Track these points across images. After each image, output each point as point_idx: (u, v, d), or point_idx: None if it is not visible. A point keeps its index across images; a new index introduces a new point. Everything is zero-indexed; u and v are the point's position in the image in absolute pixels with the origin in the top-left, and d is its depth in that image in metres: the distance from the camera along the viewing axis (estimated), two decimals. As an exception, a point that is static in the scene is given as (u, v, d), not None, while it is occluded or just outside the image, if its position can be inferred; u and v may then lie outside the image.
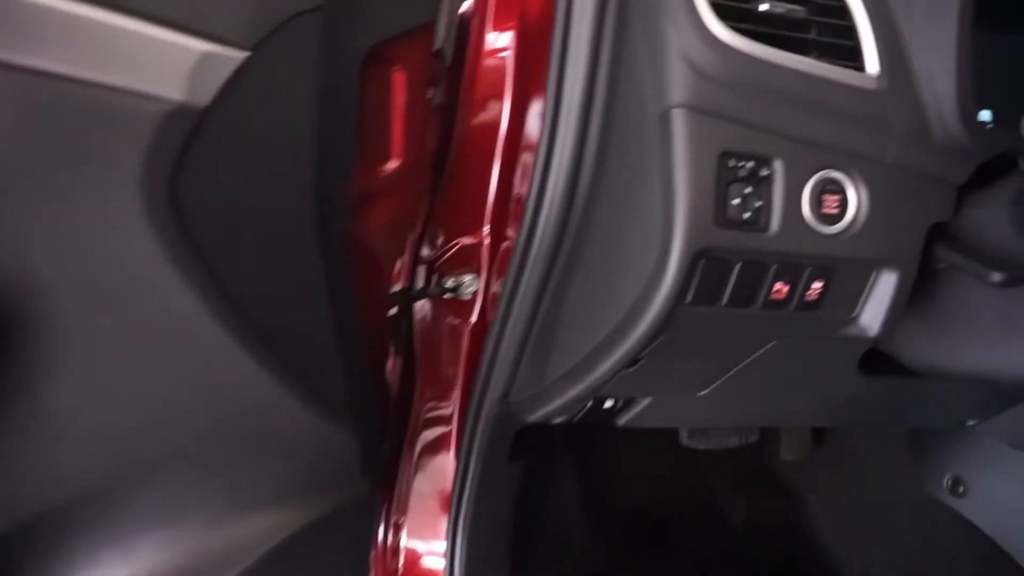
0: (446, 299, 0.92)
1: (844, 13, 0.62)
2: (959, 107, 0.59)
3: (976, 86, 0.62)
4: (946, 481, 1.15)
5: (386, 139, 0.71)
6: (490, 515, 0.92)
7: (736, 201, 0.58)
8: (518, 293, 0.74)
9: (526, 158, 0.74)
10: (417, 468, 1.01)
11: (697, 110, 0.57)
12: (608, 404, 0.88)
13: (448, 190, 0.88)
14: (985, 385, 0.82)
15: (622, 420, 0.90)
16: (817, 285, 0.63)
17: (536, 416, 0.84)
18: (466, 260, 0.90)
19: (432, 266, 0.92)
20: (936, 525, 1.17)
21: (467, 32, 0.81)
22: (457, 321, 0.92)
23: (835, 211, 0.61)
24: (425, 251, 0.92)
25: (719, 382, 0.80)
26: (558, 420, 0.90)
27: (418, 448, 1.02)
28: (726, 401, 0.86)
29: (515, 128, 0.77)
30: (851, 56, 0.61)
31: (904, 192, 0.62)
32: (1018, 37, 0.77)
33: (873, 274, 0.65)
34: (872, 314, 0.66)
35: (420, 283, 0.93)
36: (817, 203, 0.60)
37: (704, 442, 1.09)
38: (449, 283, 0.90)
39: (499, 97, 0.79)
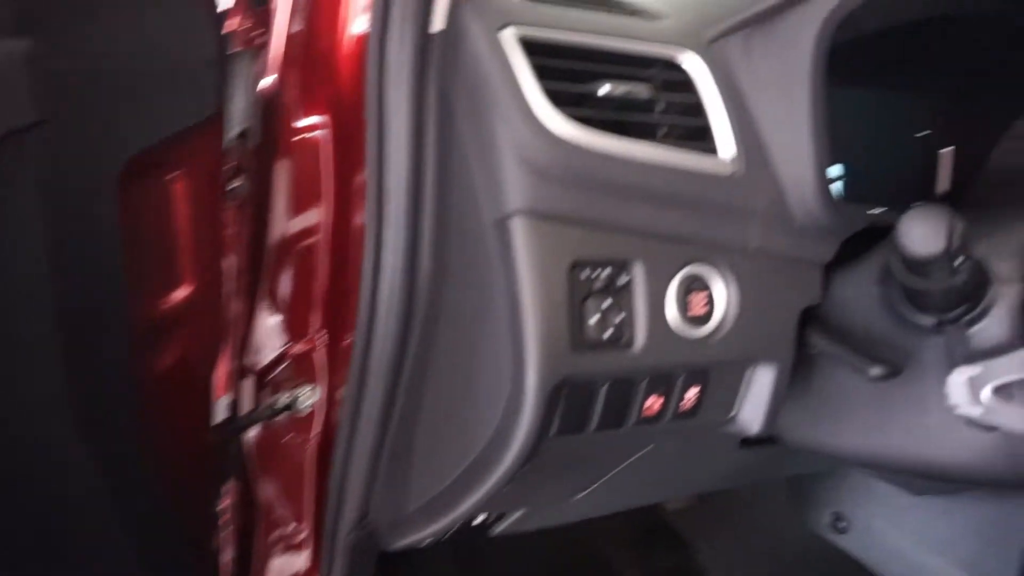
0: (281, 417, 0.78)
1: (690, 88, 0.55)
2: (818, 186, 0.54)
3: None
4: (827, 518, 1.14)
5: (170, 261, 0.57)
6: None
7: (595, 319, 0.50)
8: (361, 410, 0.63)
9: (358, 250, 0.63)
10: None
11: (539, 216, 0.48)
12: (479, 520, 0.78)
13: (270, 290, 0.75)
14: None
15: (496, 531, 0.81)
16: (692, 393, 0.56)
17: (401, 544, 0.73)
18: (301, 370, 0.77)
19: (261, 381, 0.78)
20: (825, 563, 1.16)
21: (273, 110, 0.69)
22: (299, 439, 0.79)
23: (704, 311, 0.54)
24: (249, 364, 0.78)
25: (595, 486, 0.72)
26: (426, 543, 0.79)
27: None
28: (603, 497, 0.79)
29: (342, 217, 0.65)
30: (703, 137, 0.55)
31: (772, 279, 0.57)
32: (866, 92, 0.75)
33: (749, 370, 0.59)
34: (752, 411, 0.60)
35: (249, 403, 0.79)
36: (683, 305, 0.53)
37: (590, 512, 1.02)
38: (283, 400, 0.77)
39: (318, 182, 0.68)
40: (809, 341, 0.59)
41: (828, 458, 0.64)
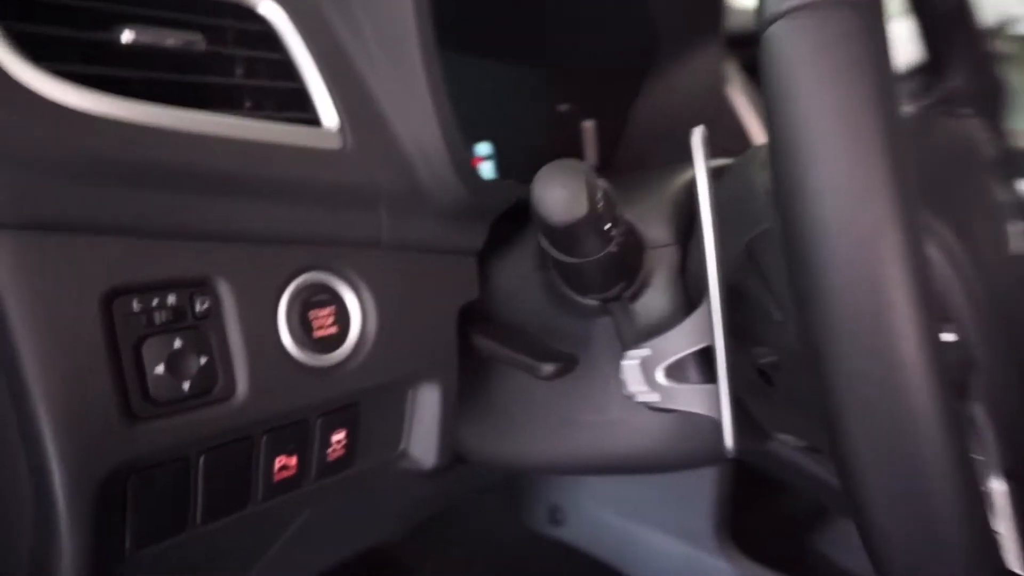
0: None
1: (272, 41, 0.42)
2: (452, 157, 0.44)
3: (466, 122, 0.49)
4: (543, 512, 1.11)
5: None
6: None
7: (160, 369, 0.34)
8: None
9: None
10: None
11: (35, 227, 0.31)
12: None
13: None
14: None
15: None
16: (339, 437, 0.43)
17: None
18: None
19: None
20: (545, 557, 1.12)
21: None
22: None
23: (333, 330, 0.41)
24: None
25: (270, 553, 0.56)
26: None
27: None
28: (292, 565, 0.63)
29: None
30: (298, 104, 0.42)
31: (417, 279, 0.46)
32: (504, 65, 0.69)
33: (409, 394, 0.48)
34: (422, 443, 0.49)
35: None
36: (303, 327, 0.40)
37: None
38: None
39: None
40: (474, 344, 0.50)
41: (530, 472, 0.56)
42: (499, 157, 0.68)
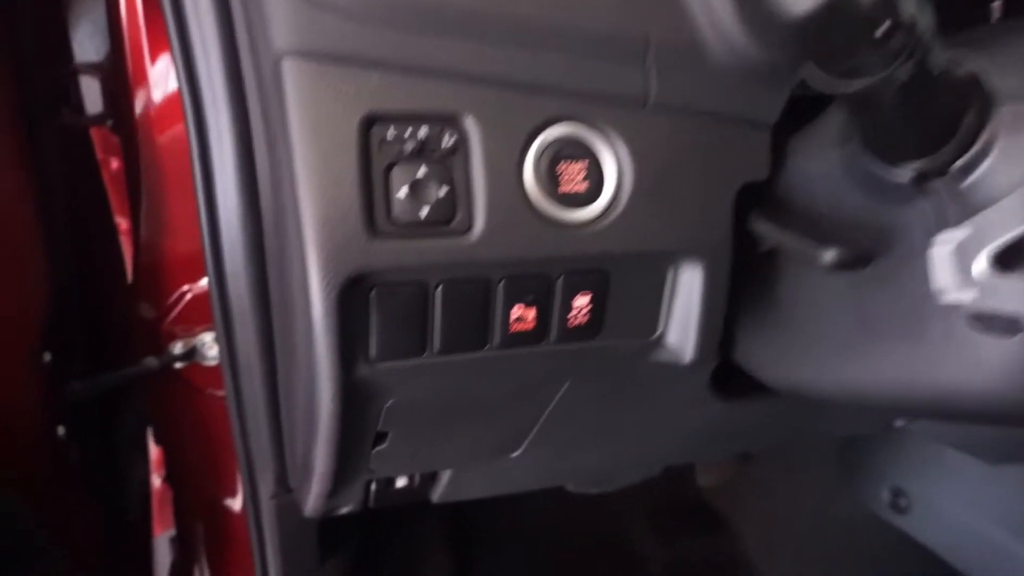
0: (183, 368, 0.69)
1: None
2: (737, 5, 0.38)
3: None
4: (886, 495, 0.94)
5: None
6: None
7: (403, 192, 0.36)
8: (237, 360, 0.52)
9: None
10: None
11: (315, 56, 0.35)
12: (401, 483, 0.66)
13: (153, 221, 0.66)
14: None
15: (435, 496, 0.68)
16: (582, 301, 0.42)
17: (317, 508, 0.62)
18: (200, 314, 0.68)
19: (157, 328, 0.69)
20: (884, 548, 0.96)
21: (118, 18, 0.60)
22: (210, 392, 0.70)
23: (582, 188, 0.39)
24: (144, 310, 0.70)
25: (528, 442, 0.58)
26: (345, 510, 0.68)
27: (204, 561, 0.80)
28: (554, 458, 0.64)
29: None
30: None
31: (689, 145, 0.41)
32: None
33: (670, 272, 0.43)
34: (681, 332, 0.45)
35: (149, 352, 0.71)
36: (550, 178, 0.39)
37: (595, 486, 0.88)
38: (178, 348, 0.68)
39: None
40: (755, 232, 0.43)
41: (828, 403, 0.47)
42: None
